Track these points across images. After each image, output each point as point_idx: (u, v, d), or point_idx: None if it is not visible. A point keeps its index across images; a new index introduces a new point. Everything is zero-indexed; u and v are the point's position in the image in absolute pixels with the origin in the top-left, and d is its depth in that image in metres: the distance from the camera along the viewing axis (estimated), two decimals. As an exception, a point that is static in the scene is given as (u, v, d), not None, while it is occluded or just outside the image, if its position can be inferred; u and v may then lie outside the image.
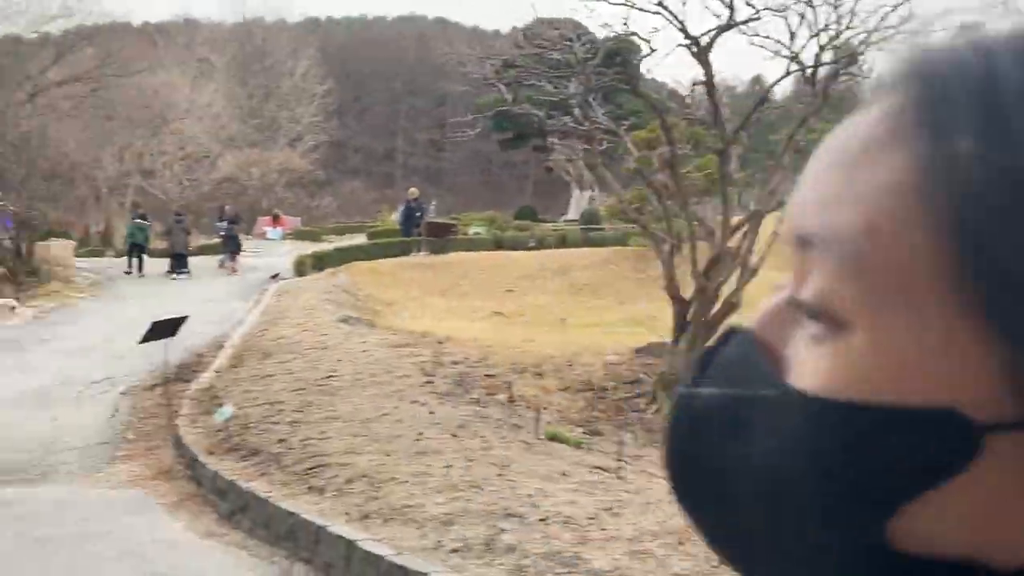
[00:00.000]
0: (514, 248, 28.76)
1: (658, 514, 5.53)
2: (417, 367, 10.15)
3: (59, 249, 24.91)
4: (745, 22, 7.97)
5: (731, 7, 7.98)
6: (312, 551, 5.28)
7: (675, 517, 5.54)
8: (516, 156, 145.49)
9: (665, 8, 7.99)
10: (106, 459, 8.13)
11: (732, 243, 8.99)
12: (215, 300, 20.01)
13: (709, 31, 8.15)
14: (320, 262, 24.41)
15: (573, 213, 36.91)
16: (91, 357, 13.20)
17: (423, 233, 26.58)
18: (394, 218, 51.84)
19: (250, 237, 34.56)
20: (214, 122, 46.78)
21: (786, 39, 8.16)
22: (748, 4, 7.84)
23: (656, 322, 20.37)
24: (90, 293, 20.57)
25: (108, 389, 11.14)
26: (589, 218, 32.64)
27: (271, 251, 33.24)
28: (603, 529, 5.09)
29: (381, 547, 4.88)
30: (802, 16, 8.61)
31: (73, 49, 24.90)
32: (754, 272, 8.93)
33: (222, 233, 26.34)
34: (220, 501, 6.56)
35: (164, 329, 9.96)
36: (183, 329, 16.01)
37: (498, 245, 29.08)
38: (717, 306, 8.79)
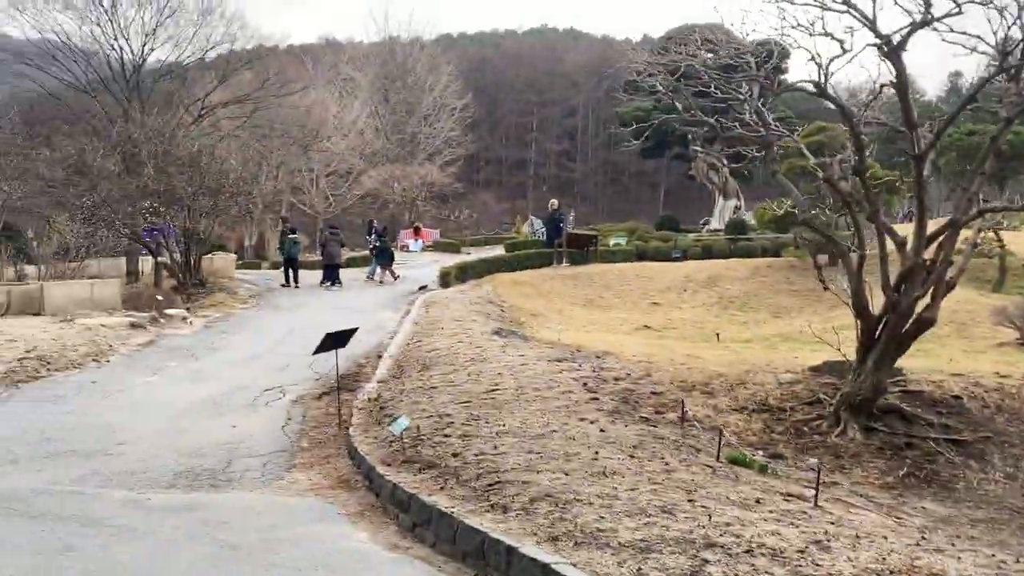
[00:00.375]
0: (656, 259, 28.25)
1: (873, 550, 5.08)
2: (579, 382, 9.96)
3: (222, 262, 26.44)
4: (942, 17, 7.33)
5: (927, 3, 7.36)
6: (504, 572, 5.15)
7: (894, 554, 5.08)
8: (647, 165, 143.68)
9: (854, 8, 7.46)
10: (285, 467, 8.33)
11: (926, 255, 8.29)
12: (365, 310, 20.58)
13: (900, 29, 7.56)
14: (464, 273, 24.73)
15: (716, 222, 35.97)
16: (258, 366, 13.75)
17: (564, 244, 26.47)
18: (526, 230, 52.32)
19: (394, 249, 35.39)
20: (359, 139, 48.64)
21: (984, 32, 7.44)
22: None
23: (814, 337, 19.40)
24: (252, 304, 21.61)
25: (279, 397, 11.51)
26: (736, 227, 31.68)
27: (413, 262, 34.06)
28: (817, 565, 4.69)
29: (579, 573, 4.68)
30: (1001, 9, 7.86)
31: (234, 72, 26.45)
32: (951, 287, 8.20)
33: (374, 246, 27.09)
34: (401, 513, 6.56)
35: (336, 340, 10.19)
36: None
37: (640, 256, 28.63)
38: (908, 323, 8.13)
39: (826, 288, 23.41)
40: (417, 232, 42.04)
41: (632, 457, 7.12)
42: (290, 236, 26.71)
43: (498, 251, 34.88)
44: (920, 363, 11.53)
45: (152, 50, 28.19)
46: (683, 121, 38.30)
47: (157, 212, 19.66)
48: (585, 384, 9.84)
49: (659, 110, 35.93)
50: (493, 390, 9.70)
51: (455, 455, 7.37)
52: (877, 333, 8.28)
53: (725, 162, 35.84)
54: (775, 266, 25.31)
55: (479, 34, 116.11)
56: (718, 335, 18.38)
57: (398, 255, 34.36)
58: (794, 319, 21.10)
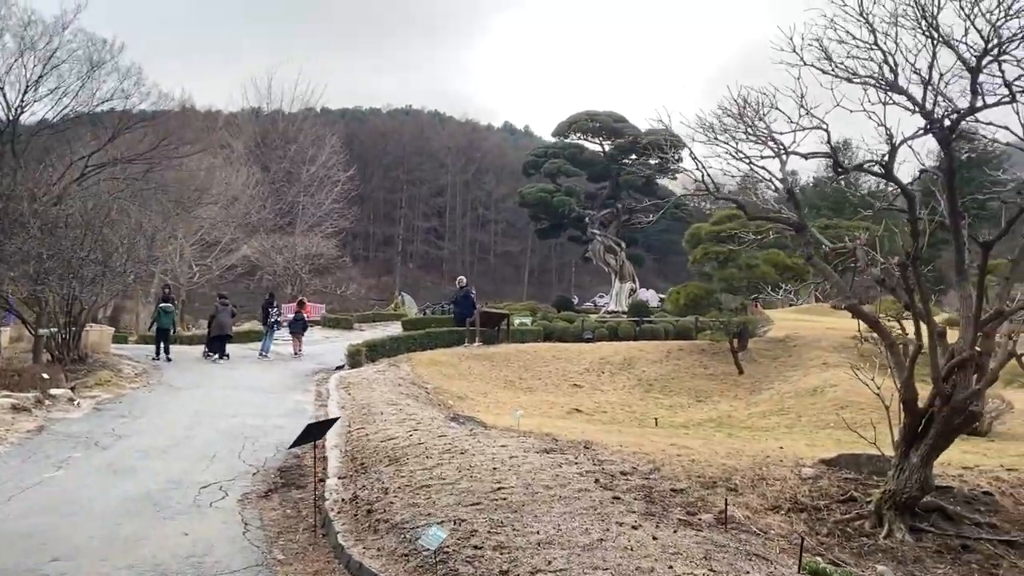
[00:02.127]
0: (564, 339, 27.84)
1: None
2: (588, 478, 9.03)
3: (98, 335, 23.74)
4: (995, 105, 7.27)
5: (978, 91, 7.27)
6: None
7: None
8: (512, 246, 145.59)
9: (907, 93, 7.29)
10: (274, 588, 6.92)
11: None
12: (272, 391, 18.88)
13: (949, 114, 7.43)
14: (374, 352, 23.32)
15: (614, 304, 36.20)
16: (179, 457, 11.94)
17: (476, 323, 25.60)
18: (407, 306, 51.19)
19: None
20: (234, 207, 46.30)
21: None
22: (1006, 86, 7.13)
23: (739, 421, 19.35)
24: (142, 383, 19.32)
25: (222, 496, 9.89)
26: (638, 310, 31.89)
27: (304, 339, 32.11)
28: None
29: None
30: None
31: (126, 130, 24.31)
32: (992, 379, 7.98)
33: (275, 320, 25.34)
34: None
35: (315, 433, 8.83)
36: (258, 423, 14.99)
37: (547, 336, 28.14)
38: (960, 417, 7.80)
39: (741, 372, 23.76)
40: (301, 306, 39.96)
41: (713, 572, 6.26)
42: (162, 306, 24.58)
43: (393, 328, 33.54)
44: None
45: (34, 100, 25.63)
46: (556, 204, 39.32)
47: (37, 278, 17.31)
48: (597, 480, 8.91)
49: (561, 192, 36.39)
50: (499, 488, 8.60)
51: (503, 573, 6.27)
52: (920, 427, 7.89)
53: (623, 245, 36.39)
54: (686, 349, 25.42)
55: (342, 110, 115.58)
56: (656, 421, 17.94)
57: (279, 332, 32.36)
58: (718, 403, 21.04)
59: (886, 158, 7.18)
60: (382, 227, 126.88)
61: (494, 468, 9.42)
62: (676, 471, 9.37)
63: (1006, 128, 8.16)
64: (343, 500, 9.13)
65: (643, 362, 24.14)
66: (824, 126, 7.32)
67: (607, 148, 38.19)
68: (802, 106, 7.29)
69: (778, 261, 23.29)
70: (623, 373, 23.49)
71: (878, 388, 8.88)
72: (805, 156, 7.54)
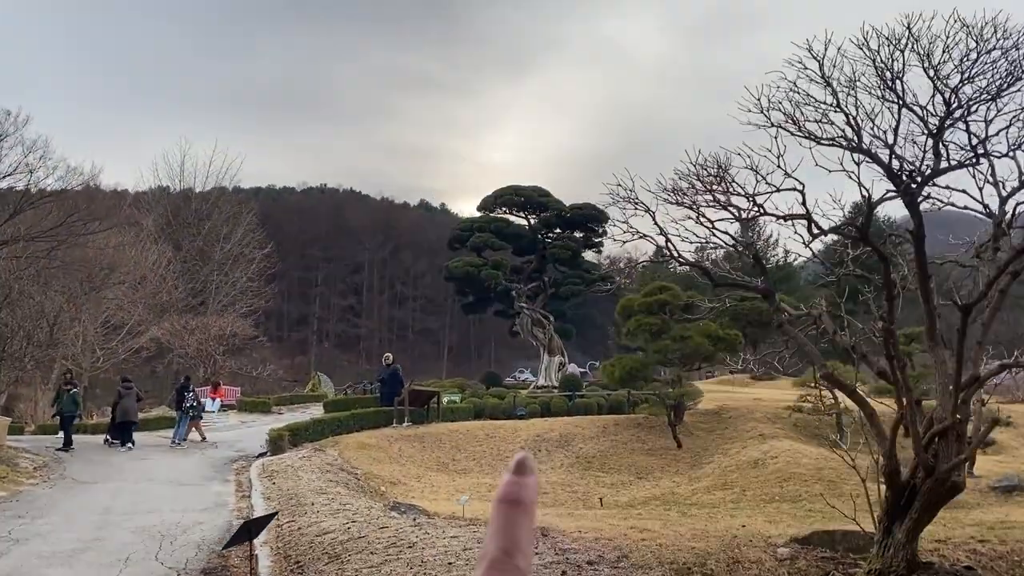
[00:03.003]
0: (495, 417, 27.02)
1: None
2: (555, 571, 8.29)
3: (-9, 427, 21.76)
4: (958, 167, 7.18)
5: (940, 153, 7.19)
6: None
7: None
8: (431, 322, 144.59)
9: (872, 155, 7.14)
10: None
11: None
12: (190, 482, 17.48)
13: (914, 178, 7.31)
14: (296, 436, 22.02)
15: (543, 379, 35.61)
16: (88, 563, 10.64)
17: (405, 402, 24.58)
18: (324, 386, 49.42)
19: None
20: (143, 287, 44.23)
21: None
22: (971, 148, 7.06)
23: (684, 498, 18.86)
24: (41, 477, 17.63)
25: (139, 607, 8.74)
26: (570, 384, 31.38)
27: (220, 424, 30.37)
28: None
29: None
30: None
31: (30, 206, 22.79)
32: (976, 447, 7.70)
33: (191, 404, 23.79)
34: None
35: (251, 530, 7.86)
36: (176, 519, 13.67)
37: (478, 414, 27.27)
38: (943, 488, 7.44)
39: (679, 446, 23.38)
40: (216, 389, 38.05)
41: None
42: (67, 390, 22.90)
43: (315, 410, 32.10)
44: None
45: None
46: (482, 279, 39.08)
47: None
48: (564, 574, 8.18)
49: (488, 266, 35.98)
50: (458, 587, 7.79)
51: None
52: (903, 500, 7.50)
53: (551, 319, 36.05)
54: (622, 424, 24.95)
55: (256, 188, 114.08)
56: (600, 501, 17.27)
57: (207, 413, 30.49)
58: (659, 479, 20.51)
59: (860, 221, 6.96)
60: (297, 306, 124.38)
61: (449, 563, 8.58)
62: (645, 558, 8.72)
63: (963, 191, 8.13)
64: (284, 609, 8.12)
65: (579, 439, 23.51)
66: (800, 187, 7.09)
67: (532, 222, 38.25)
68: (779, 166, 7.06)
69: (711, 332, 23.28)
70: (560, 451, 22.79)
71: (851, 460, 8.49)
72: (782, 218, 7.26)
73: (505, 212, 39.03)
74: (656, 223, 8.33)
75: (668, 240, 8.28)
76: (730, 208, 8.33)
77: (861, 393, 7.60)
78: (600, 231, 36.84)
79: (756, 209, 8.00)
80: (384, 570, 8.50)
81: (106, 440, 22.79)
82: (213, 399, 36.86)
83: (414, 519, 11.44)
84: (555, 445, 23.20)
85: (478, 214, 40.18)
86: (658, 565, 8.45)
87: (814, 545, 8.84)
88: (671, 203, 8.15)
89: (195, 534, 12.32)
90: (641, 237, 8.48)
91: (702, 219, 8.06)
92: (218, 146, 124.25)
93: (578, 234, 38.62)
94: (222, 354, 40.80)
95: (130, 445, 22.39)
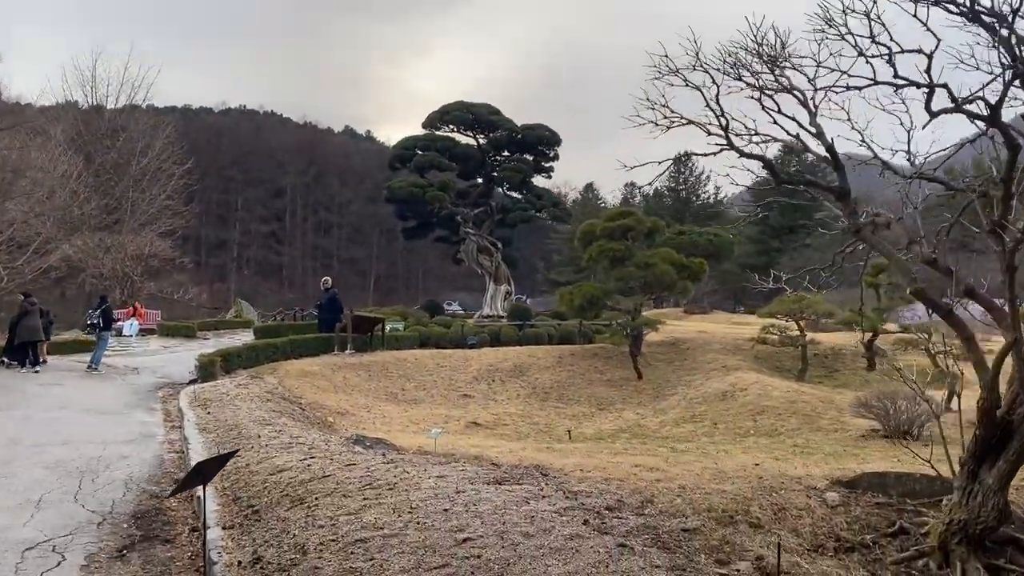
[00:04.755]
0: (442, 346, 25.59)
1: None
2: (573, 519, 6.93)
3: None
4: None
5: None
6: None
7: None
8: (357, 252, 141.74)
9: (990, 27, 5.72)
10: None
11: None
12: (109, 411, 15.56)
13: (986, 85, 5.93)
14: (230, 363, 20.14)
15: (488, 308, 34.18)
16: (-11, 504, 8.83)
17: (348, 328, 22.85)
18: (246, 311, 47.05)
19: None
20: (52, 201, 40.61)
21: None
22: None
23: (652, 430, 17.87)
24: (-68, 403, 15.39)
25: (57, 560, 7.09)
26: (520, 314, 30.06)
27: (139, 349, 28.04)
28: None
29: None
30: None
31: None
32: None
33: (93, 323, 21.59)
34: None
35: (206, 472, 6.23)
36: (98, 453, 11.85)
37: (423, 343, 25.78)
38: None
39: (640, 377, 22.42)
40: (134, 311, 35.43)
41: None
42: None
43: (244, 336, 30.08)
44: (847, 464, 10.03)
45: None
46: (426, 202, 36.99)
47: None
48: (586, 522, 6.83)
49: (434, 187, 33.94)
50: (465, 541, 6.33)
51: None
52: (994, 440, 6.35)
53: (500, 246, 34.47)
54: (579, 354, 23.83)
55: (172, 107, 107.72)
56: (569, 434, 16.10)
57: (113, 340, 28.11)
58: (622, 411, 19.50)
59: (995, 100, 5.59)
60: (215, 230, 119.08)
61: (445, 510, 7.12)
62: (674, 503, 7.45)
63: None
64: (239, 564, 6.54)
65: (535, 369, 22.31)
66: (923, 50, 5.62)
67: (481, 143, 36.14)
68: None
69: (675, 260, 22.17)
70: (515, 381, 21.55)
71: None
72: (897, 87, 5.78)
73: (452, 130, 36.78)
74: (713, 103, 6.78)
75: (727, 126, 6.75)
76: (795, 92, 6.86)
77: (958, 317, 6.34)
78: (551, 155, 35.12)
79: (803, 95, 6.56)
80: (366, 518, 6.99)
81: (1, 362, 20.48)
82: (132, 321, 34.31)
83: (384, 455, 9.94)
84: (509, 375, 21.94)
85: (418, 135, 37.63)
86: (693, 513, 7.18)
87: (863, 489, 7.72)
88: (733, 78, 6.61)
89: (120, 470, 10.59)
90: (688, 123, 6.92)
91: (766, 100, 6.56)
92: (133, 57, 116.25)
93: (529, 157, 36.76)
94: (140, 275, 37.93)
95: (38, 369, 20.21)
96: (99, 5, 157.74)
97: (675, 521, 6.99)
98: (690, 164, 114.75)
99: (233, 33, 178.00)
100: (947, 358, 21.08)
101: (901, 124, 6.15)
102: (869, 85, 6.01)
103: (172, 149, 51.07)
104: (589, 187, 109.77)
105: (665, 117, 7.23)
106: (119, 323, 31.20)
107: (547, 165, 36.66)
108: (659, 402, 20.02)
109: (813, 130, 6.80)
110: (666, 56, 6.86)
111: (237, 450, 7.69)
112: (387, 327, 26.03)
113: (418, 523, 6.76)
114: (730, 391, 19.19)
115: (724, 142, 6.95)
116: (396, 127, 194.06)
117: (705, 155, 7.16)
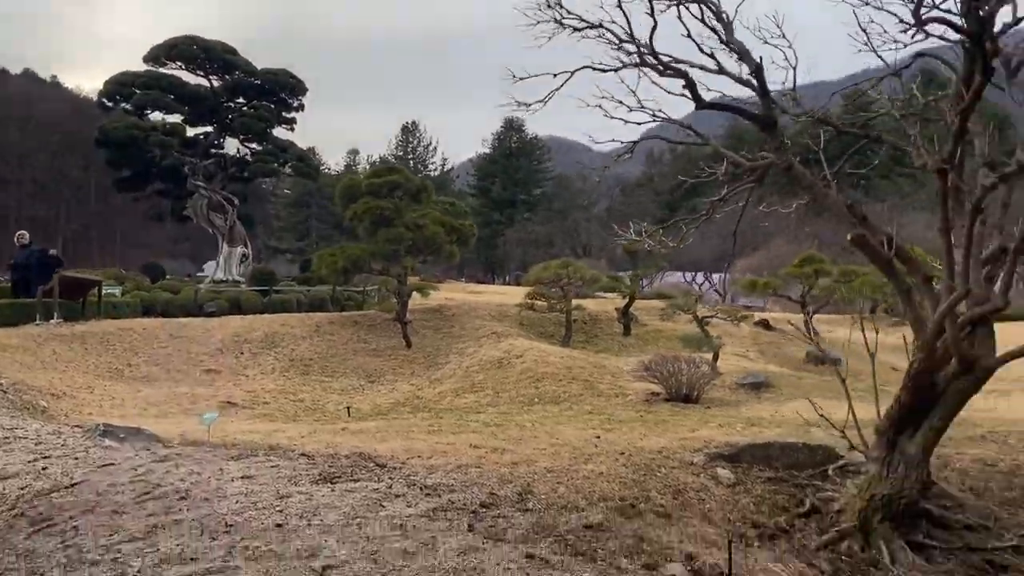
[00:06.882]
0: (171, 314, 22.17)
1: None
2: (449, 522, 5.40)
3: None
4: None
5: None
6: None
7: None
8: (43, 210, 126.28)
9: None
10: None
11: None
12: None
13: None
14: None
15: (222, 272, 30.47)
16: None
17: (54, 293, 18.82)
18: None
19: None
20: None
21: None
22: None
23: (433, 402, 16.53)
24: None
25: None
26: (263, 279, 26.99)
27: None
28: None
29: None
30: None
31: None
32: None
33: None
34: None
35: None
36: None
37: (147, 311, 22.20)
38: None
39: (409, 345, 20.99)
40: None
41: None
42: None
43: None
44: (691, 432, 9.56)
45: None
46: (143, 150, 32.21)
47: None
48: (471, 528, 5.33)
49: (157, 131, 29.39)
50: (326, 569, 4.57)
51: None
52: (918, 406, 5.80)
53: (236, 202, 30.84)
54: (338, 322, 21.78)
55: None
56: (349, 410, 14.26)
57: None
58: (395, 383, 17.96)
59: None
60: None
61: (278, 525, 5.23)
62: (558, 492, 6.18)
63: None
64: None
65: (289, 339, 19.95)
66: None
67: (215, 84, 31.95)
68: None
69: (445, 222, 20.90)
70: (267, 353, 19.08)
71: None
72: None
73: (180, 67, 32.19)
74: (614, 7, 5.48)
75: (642, 40, 5.48)
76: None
77: (899, 270, 5.66)
78: (295, 104, 32.12)
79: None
80: (165, 547, 4.90)
81: None
82: None
83: (148, 450, 7.60)
84: (260, 346, 19.45)
85: (138, 71, 32.33)
86: (588, 504, 5.95)
87: (747, 463, 6.97)
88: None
89: None
90: (594, 27, 5.57)
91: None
92: None
93: (272, 105, 33.26)
94: None
95: None
96: None
97: (572, 516, 5.71)
98: (417, 133, 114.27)
99: None
100: (709, 325, 22.10)
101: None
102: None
103: None
104: (312, 150, 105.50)
105: (559, 20, 5.82)
106: None
107: (290, 116, 33.48)
108: (433, 372, 18.77)
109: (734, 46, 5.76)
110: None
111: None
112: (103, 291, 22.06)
113: (247, 550, 4.82)
114: (505, 358, 18.42)
115: (636, 56, 5.69)
116: (87, 73, 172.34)
117: (606, 70, 5.86)
